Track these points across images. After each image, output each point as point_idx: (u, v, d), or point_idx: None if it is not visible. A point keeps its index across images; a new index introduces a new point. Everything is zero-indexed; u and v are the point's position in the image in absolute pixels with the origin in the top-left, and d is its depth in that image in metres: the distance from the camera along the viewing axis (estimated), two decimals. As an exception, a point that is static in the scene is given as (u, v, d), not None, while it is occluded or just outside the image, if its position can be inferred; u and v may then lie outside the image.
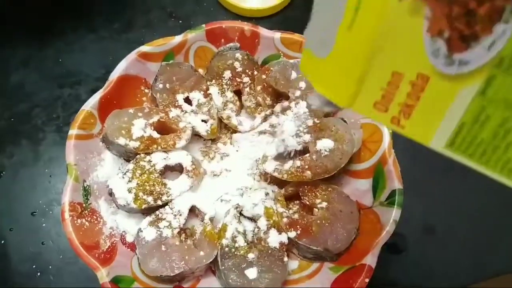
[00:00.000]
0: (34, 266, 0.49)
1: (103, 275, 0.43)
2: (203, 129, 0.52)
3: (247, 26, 0.56)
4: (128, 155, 0.50)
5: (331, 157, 0.49)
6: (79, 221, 0.46)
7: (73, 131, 0.49)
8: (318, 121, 0.51)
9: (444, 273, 0.51)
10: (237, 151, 0.53)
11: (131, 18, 0.63)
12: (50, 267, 0.49)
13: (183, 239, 0.47)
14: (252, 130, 0.54)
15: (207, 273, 0.48)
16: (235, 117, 0.54)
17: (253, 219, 0.50)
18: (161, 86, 0.53)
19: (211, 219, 0.48)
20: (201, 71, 0.56)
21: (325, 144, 0.49)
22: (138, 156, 0.49)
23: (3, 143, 0.55)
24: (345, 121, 0.51)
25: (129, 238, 0.48)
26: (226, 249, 0.46)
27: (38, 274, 0.48)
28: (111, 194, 0.48)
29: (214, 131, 0.52)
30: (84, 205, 0.47)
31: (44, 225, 0.51)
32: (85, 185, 0.48)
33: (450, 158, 0.58)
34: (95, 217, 0.48)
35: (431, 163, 0.56)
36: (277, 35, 0.55)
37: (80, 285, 0.48)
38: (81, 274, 0.48)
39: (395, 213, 0.47)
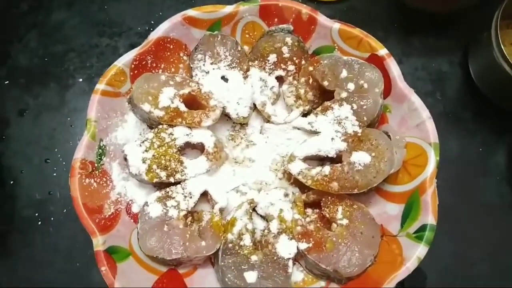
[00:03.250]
0: (36, 214, 0.48)
1: (99, 242, 0.41)
2: (234, 111, 0.48)
3: (305, 9, 0.50)
4: (151, 123, 0.48)
5: (365, 173, 0.44)
6: (87, 180, 0.44)
7: (100, 86, 0.46)
8: (359, 130, 0.46)
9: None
10: (265, 142, 0.50)
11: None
12: (52, 218, 0.48)
13: (189, 223, 0.45)
14: (286, 123, 0.50)
15: (206, 263, 0.45)
16: (270, 106, 0.49)
17: (265, 218, 0.46)
18: (200, 56, 0.49)
19: (221, 210, 0.45)
20: (246, 48, 0.52)
21: (361, 157, 0.44)
22: (160, 126, 0.46)
23: (32, 82, 0.53)
24: (389, 136, 0.46)
25: (135, 208, 0.46)
26: (230, 245, 0.43)
27: (39, 223, 0.47)
28: (126, 159, 0.46)
29: (245, 117, 0.48)
30: (96, 164, 0.45)
31: (54, 174, 0.49)
32: (101, 145, 0.46)
33: (498, 200, 0.51)
34: (104, 179, 0.46)
35: (475, 202, 0.51)
36: (336, 25, 0.50)
37: (77, 244, 0.47)
38: (81, 233, 0.46)
39: (421, 250, 0.42)
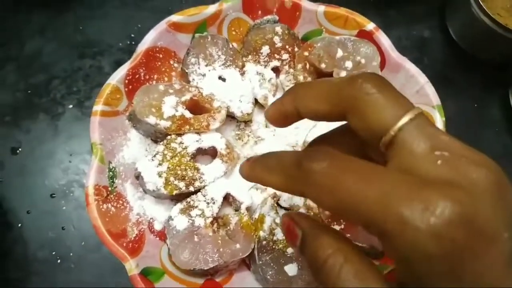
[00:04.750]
0: (53, 253, 0.45)
1: (132, 266, 0.40)
2: (237, 110, 0.47)
3: (288, -3, 0.50)
4: (156, 136, 0.46)
5: (380, 145, 0.44)
6: (104, 206, 0.42)
7: (98, 107, 0.44)
8: (366, 106, 0.46)
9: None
10: (273, 135, 0.49)
11: (157, -16, 0.58)
12: (71, 254, 0.45)
13: (216, 229, 0.43)
14: (290, 113, 0.49)
15: (241, 267, 0.44)
16: (272, 98, 0.49)
17: (289, 210, 0.46)
18: (193, 60, 0.48)
19: (248, 209, 0.44)
20: (235, 45, 0.51)
21: (374, 131, 0.45)
22: (168, 137, 0.45)
23: (19, 117, 0.50)
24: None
25: (157, 226, 0.45)
26: (264, 242, 0.42)
27: (58, 261, 0.45)
28: (138, 177, 0.44)
29: (250, 113, 0.48)
30: (110, 188, 0.43)
31: (64, 208, 0.47)
32: (111, 167, 0.44)
33: (502, 150, 0.53)
34: (121, 202, 0.44)
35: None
36: (321, 8, 0.50)
37: (103, 274, 0.44)
38: (105, 262, 0.45)
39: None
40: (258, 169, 0.25)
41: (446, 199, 0.17)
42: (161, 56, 0.49)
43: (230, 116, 0.49)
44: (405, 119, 0.20)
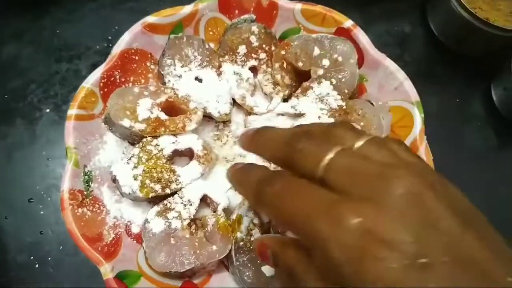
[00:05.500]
0: (32, 258, 0.45)
1: (107, 270, 0.39)
2: (215, 110, 0.47)
3: (264, -4, 0.50)
4: (133, 138, 0.46)
5: (358, 143, 0.44)
6: (80, 210, 0.42)
7: (72, 111, 0.44)
8: (343, 103, 0.46)
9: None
10: (252, 134, 0.49)
11: (135, -15, 0.58)
12: (49, 258, 0.45)
13: (194, 231, 0.43)
14: (269, 112, 0.49)
15: (220, 268, 0.44)
16: (250, 98, 0.49)
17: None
18: (169, 62, 0.48)
19: (225, 210, 0.44)
20: (211, 45, 0.51)
21: (351, 129, 0.44)
22: (144, 139, 0.44)
23: (-4, 122, 0.50)
24: (372, 104, 0.47)
25: (135, 229, 0.44)
26: (241, 243, 0.42)
27: (36, 266, 0.45)
28: (114, 180, 0.44)
29: (228, 113, 0.48)
30: (85, 192, 0.43)
31: (42, 213, 0.47)
32: (86, 171, 0.44)
33: (485, 143, 0.52)
34: (97, 205, 0.44)
35: (463, 149, 0.52)
36: (298, 6, 0.50)
37: (82, 278, 0.44)
38: (83, 266, 0.44)
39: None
40: (236, 177, 0.32)
41: (355, 215, 0.21)
42: (137, 58, 0.49)
43: (209, 117, 0.48)
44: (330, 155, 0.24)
